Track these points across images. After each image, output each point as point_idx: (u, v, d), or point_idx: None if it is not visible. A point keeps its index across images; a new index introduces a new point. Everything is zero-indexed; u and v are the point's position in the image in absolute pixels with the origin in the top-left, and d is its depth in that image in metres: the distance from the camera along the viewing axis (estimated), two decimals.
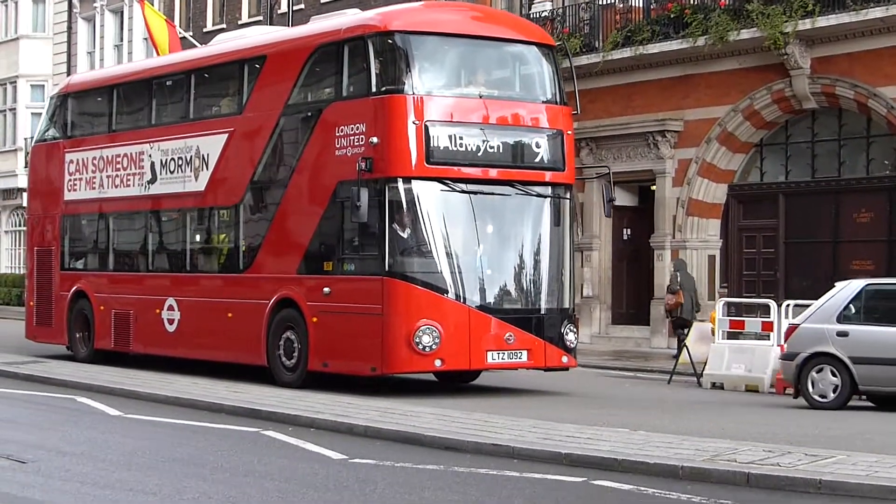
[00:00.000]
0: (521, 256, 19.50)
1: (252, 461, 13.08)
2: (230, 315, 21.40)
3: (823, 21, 27.21)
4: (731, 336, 22.91)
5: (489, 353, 18.71)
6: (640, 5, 31.09)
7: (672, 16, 29.88)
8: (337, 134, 19.38)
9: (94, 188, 25.12)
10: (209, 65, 23.44)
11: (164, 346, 23.17)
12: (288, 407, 17.13)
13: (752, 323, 22.73)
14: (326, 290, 19.35)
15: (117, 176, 24.43)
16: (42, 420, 16.77)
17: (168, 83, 24.28)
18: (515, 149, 19.49)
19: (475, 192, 18.97)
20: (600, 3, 31.29)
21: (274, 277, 20.60)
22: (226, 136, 21.87)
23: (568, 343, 19.49)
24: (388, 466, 12.81)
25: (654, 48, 29.67)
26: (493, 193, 19.19)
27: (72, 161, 25.76)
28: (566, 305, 19.71)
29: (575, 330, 19.83)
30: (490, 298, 18.96)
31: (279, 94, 20.83)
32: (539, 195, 19.52)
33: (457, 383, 20.87)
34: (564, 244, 19.79)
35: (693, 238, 30.55)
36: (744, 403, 19.58)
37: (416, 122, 18.55)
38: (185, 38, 38.12)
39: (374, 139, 18.58)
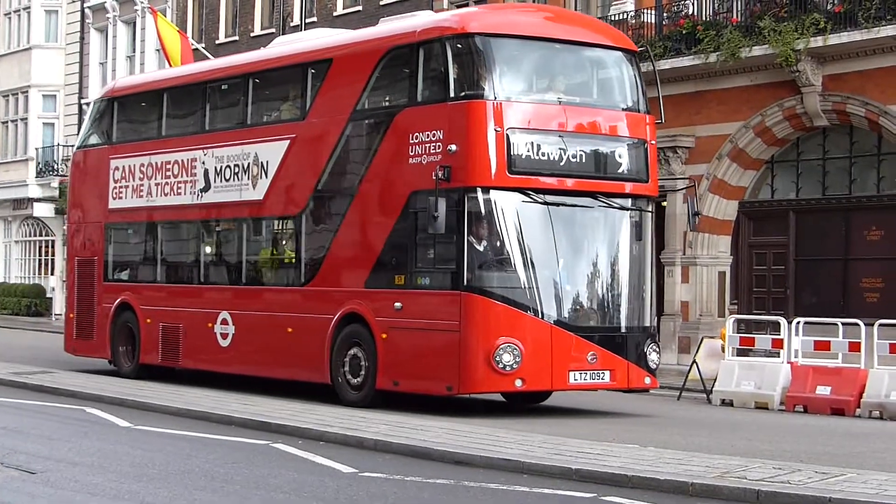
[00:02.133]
0: (603, 272, 18.85)
1: (262, 474, 13.09)
2: (290, 330, 20.61)
3: (835, 39, 27.20)
4: (741, 353, 22.91)
5: (571, 374, 18.02)
6: (653, 21, 31.12)
7: (684, 32, 29.89)
8: (411, 141, 18.64)
9: (141, 196, 24.26)
10: (269, 68, 22.60)
11: (217, 361, 22.34)
12: (298, 420, 17.13)
13: (763, 340, 22.71)
14: (398, 304, 18.62)
15: (167, 184, 23.65)
16: (51, 431, 16.75)
17: (223, 87, 23.56)
18: (597, 159, 18.78)
19: (557, 204, 18.25)
20: (612, 18, 31.29)
21: (339, 291, 19.84)
22: (287, 142, 21.07)
23: (650, 363, 18.82)
24: (398, 480, 12.81)
25: (666, 64, 29.68)
26: (574, 205, 18.46)
27: (117, 168, 24.92)
28: (648, 324, 19.06)
29: (658, 350, 19.18)
30: (572, 315, 18.29)
31: (346, 98, 20.06)
32: (621, 208, 18.83)
33: (527, 404, 20.28)
34: (646, 259, 19.18)
35: (703, 254, 30.55)
36: (753, 420, 19.55)
37: (498, 129, 17.84)
38: (197, 49, 38.24)
39: (453, 147, 17.88)
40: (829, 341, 21.37)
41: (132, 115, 25.81)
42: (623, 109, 19.22)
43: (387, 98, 20.08)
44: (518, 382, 17.77)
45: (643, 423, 18.34)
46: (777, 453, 14.57)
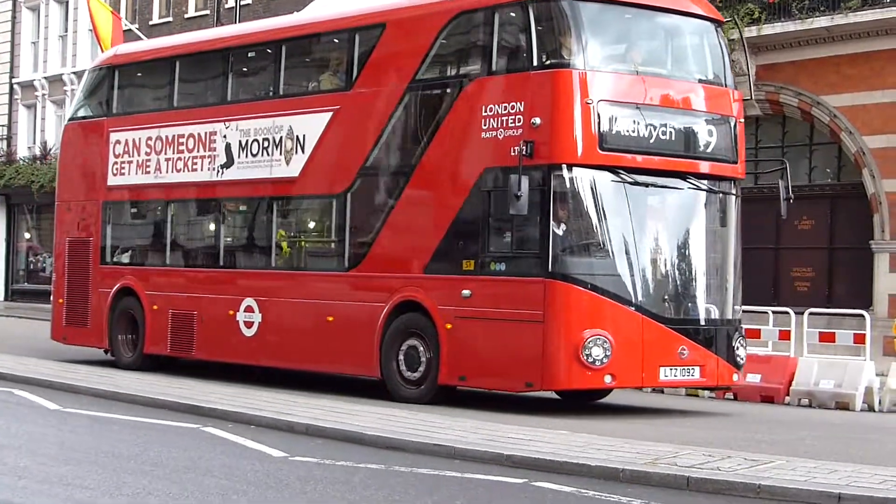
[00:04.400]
0: (693, 260, 17.40)
1: (192, 457, 12.96)
2: (330, 319, 19.00)
3: (769, 29, 27.40)
4: None
5: (662, 370, 16.69)
6: None
7: None
8: (483, 114, 17.07)
9: (148, 172, 22.37)
10: (306, 34, 20.78)
11: (239, 352, 20.65)
12: (229, 404, 16.91)
13: None
14: (466, 292, 17.08)
15: (180, 159, 21.77)
16: None
17: (250, 54, 21.78)
18: (688, 136, 17.32)
19: (647, 185, 16.84)
20: None
21: (392, 277, 18.23)
22: (329, 114, 19.33)
23: (738, 359, 17.60)
24: (329, 465, 12.70)
25: None
26: (665, 186, 17.09)
27: (119, 141, 22.98)
28: (736, 316, 17.77)
29: (745, 344, 17.97)
30: (662, 306, 16.89)
31: (403, 67, 18.42)
32: (711, 190, 17.54)
33: (584, 401, 18.98)
34: (734, 247, 17.85)
35: None
36: (685, 407, 19.62)
37: (588, 101, 16.31)
38: (129, 30, 37.89)
39: (537, 120, 16.35)
40: (760, 329, 21.48)
41: (138, 84, 24.21)
42: (712, 83, 17.83)
43: (452, 67, 18.50)
44: (608, 378, 16.41)
45: (585, 411, 18.17)
46: (708, 440, 14.58)
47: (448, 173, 17.76)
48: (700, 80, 17.79)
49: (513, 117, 16.77)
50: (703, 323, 17.31)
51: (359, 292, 18.80)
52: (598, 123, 16.42)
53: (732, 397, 21.08)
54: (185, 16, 45.37)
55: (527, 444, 13.59)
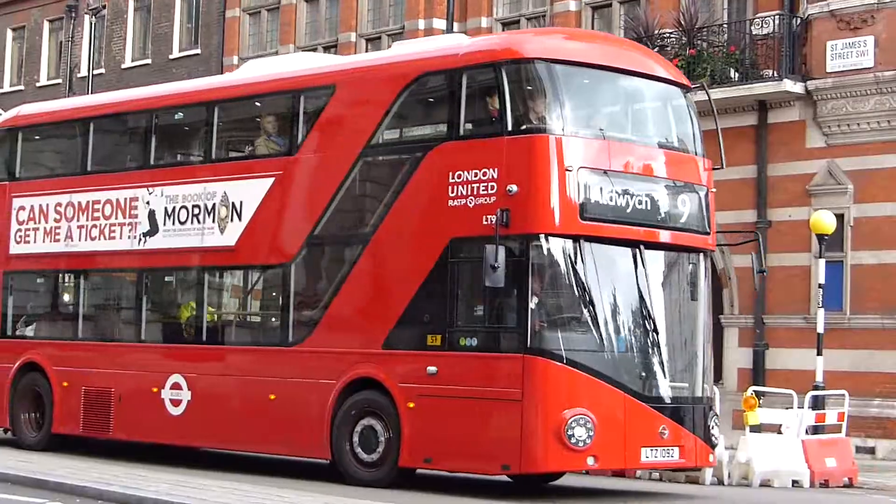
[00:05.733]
0: (672, 335, 16.34)
1: None
2: (272, 397, 17.69)
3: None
4: None
5: (643, 451, 15.70)
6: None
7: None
8: (451, 181, 16.02)
9: (58, 240, 20.93)
10: (242, 96, 19.51)
11: (165, 432, 19.18)
12: (77, 478, 15.83)
13: None
14: (432, 369, 15.92)
15: (95, 226, 20.38)
16: None
17: (177, 116, 20.41)
18: (666, 206, 16.39)
19: (627, 257, 15.92)
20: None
21: (343, 353, 17.02)
22: (270, 180, 18.14)
23: (714, 438, 16.73)
24: None
25: None
26: (641, 259, 16.02)
27: (23, 207, 21.54)
28: (708, 394, 16.82)
29: (718, 423, 17.07)
30: (644, 384, 15.87)
31: (357, 131, 17.32)
32: (689, 262, 16.69)
33: (539, 484, 17.74)
34: (705, 322, 16.91)
35: None
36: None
37: (569, 168, 15.40)
38: None
39: (514, 187, 15.30)
40: None
41: (43, 148, 22.90)
42: (688, 152, 16.97)
43: (413, 130, 17.60)
44: (590, 460, 15.32)
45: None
46: None
47: (409, 243, 16.62)
48: (676, 148, 16.97)
49: (484, 184, 15.75)
50: (681, 401, 16.37)
51: (305, 369, 17.50)
52: (579, 191, 15.51)
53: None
54: (37, 83, 44.81)
55: None
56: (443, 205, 16.14)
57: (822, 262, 23.37)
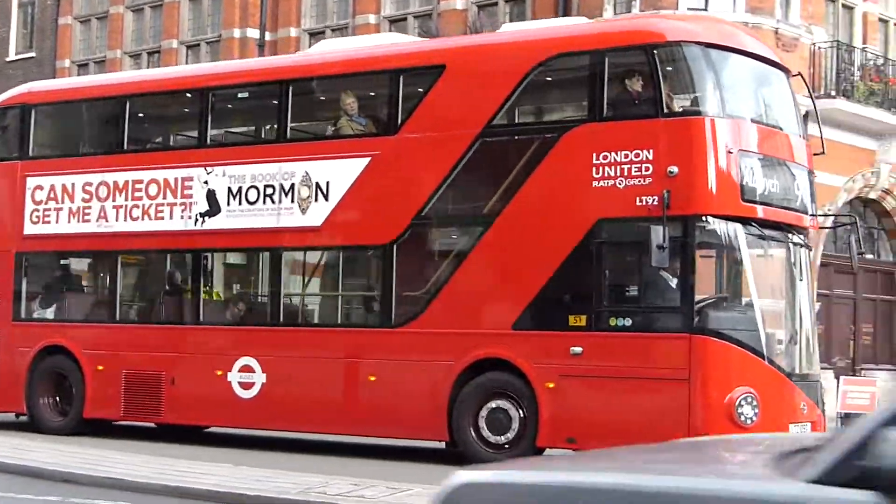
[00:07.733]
0: (803, 314, 16.84)
1: None
2: (372, 378, 17.28)
3: None
4: None
5: (791, 427, 15.68)
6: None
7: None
8: (595, 162, 15.87)
9: (87, 220, 19.92)
10: (326, 74, 19.01)
11: (233, 416, 18.55)
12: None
13: None
14: (577, 349, 15.73)
15: (136, 206, 19.44)
16: None
17: (242, 95, 20.10)
18: (798, 190, 16.72)
19: (777, 239, 16.35)
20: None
21: (461, 334, 16.66)
22: (365, 160, 17.65)
23: (826, 414, 17.01)
24: (9, 498, 12.94)
25: None
26: (791, 241, 16.52)
27: (40, 186, 20.44)
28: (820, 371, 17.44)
29: (825, 400, 17.31)
30: (791, 362, 16.34)
31: (473, 110, 16.99)
32: (805, 245, 17.03)
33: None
34: (812, 302, 17.44)
35: None
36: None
37: (731, 150, 15.51)
38: None
39: (674, 169, 15.32)
40: None
41: (63, 126, 22.08)
42: (801, 136, 17.28)
43: (540, 112, 17.78)
44: None
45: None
46: (357, 471, 14.72)
47: (544, 224, 16.30)
48: (799, 133, 17.32)
49: (636, 165, 15.63)
50: (813, 378, 16.73)
51: (413, 350, 17.07)
52: (740, 174, 15.68)
53: None
54: None
55: (195, 478, 13.92)
56: (586, 185, 16.00)
57: None
